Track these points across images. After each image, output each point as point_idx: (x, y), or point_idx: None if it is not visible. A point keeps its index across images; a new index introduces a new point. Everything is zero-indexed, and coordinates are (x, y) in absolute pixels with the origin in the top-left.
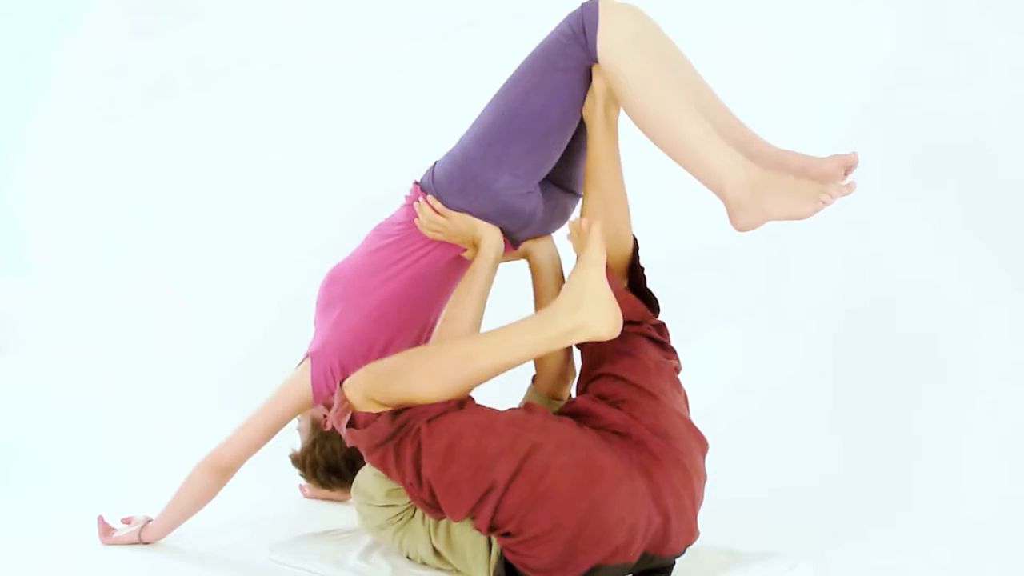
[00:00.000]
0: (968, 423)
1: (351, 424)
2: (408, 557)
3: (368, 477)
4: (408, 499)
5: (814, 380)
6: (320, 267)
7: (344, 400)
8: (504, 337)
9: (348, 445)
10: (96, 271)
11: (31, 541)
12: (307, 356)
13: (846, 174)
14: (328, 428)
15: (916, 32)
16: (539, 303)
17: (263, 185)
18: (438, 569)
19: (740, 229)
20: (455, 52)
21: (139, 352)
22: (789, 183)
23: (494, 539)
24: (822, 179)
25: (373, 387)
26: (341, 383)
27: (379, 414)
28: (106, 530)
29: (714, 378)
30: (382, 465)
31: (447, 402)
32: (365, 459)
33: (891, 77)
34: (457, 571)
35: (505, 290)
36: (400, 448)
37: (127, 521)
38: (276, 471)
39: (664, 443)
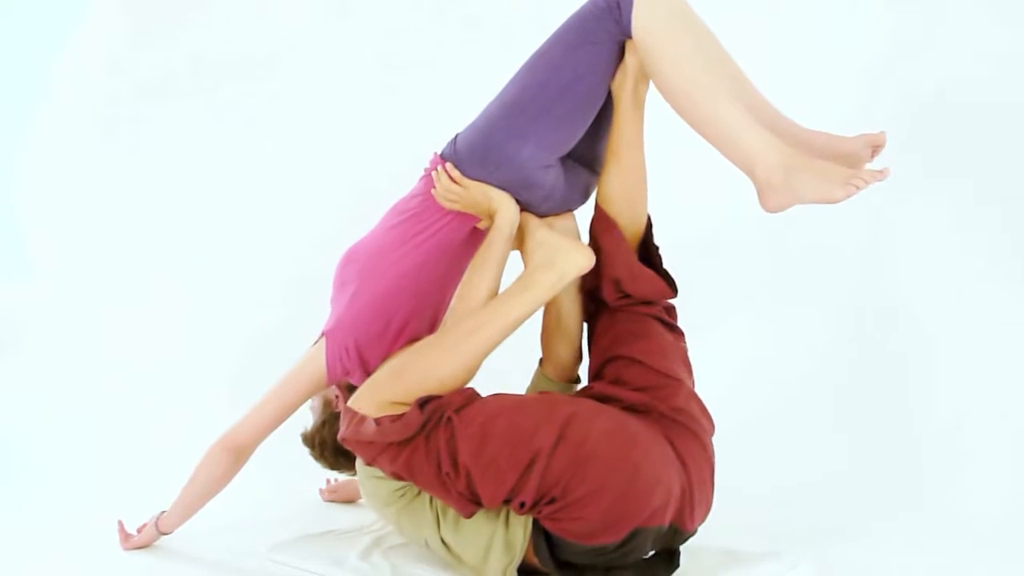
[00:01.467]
0: (973, 421)
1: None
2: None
3: None
4: None
5: (815, 378)
6: (321, 266)
7: (355, 414)
8: (499, 304)
9: (367, 461)
10: (96, 271)
11: (31, 541)
12: (322, 335)
13: (873, 154)
14: (342, 436)
15: (916, 22)
16: None
17: (264, 185)
18: (444, 556)
19: (769, 210)
20: (456, 51)
21: (139, 352)
22: (821, 166)
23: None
24: (848, 159)
25: (386, 390)
26: (346, 403)
27: (402, 414)
28: (126, 536)
29: (715, 376)
30: (407, 467)
31: (465, 393)
32: (386, 472)
33: (893, 66)
34: (461, 561)
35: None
36: (431, 439)
37: (140, 531)
38: (277, 471)
39: (684, 418)
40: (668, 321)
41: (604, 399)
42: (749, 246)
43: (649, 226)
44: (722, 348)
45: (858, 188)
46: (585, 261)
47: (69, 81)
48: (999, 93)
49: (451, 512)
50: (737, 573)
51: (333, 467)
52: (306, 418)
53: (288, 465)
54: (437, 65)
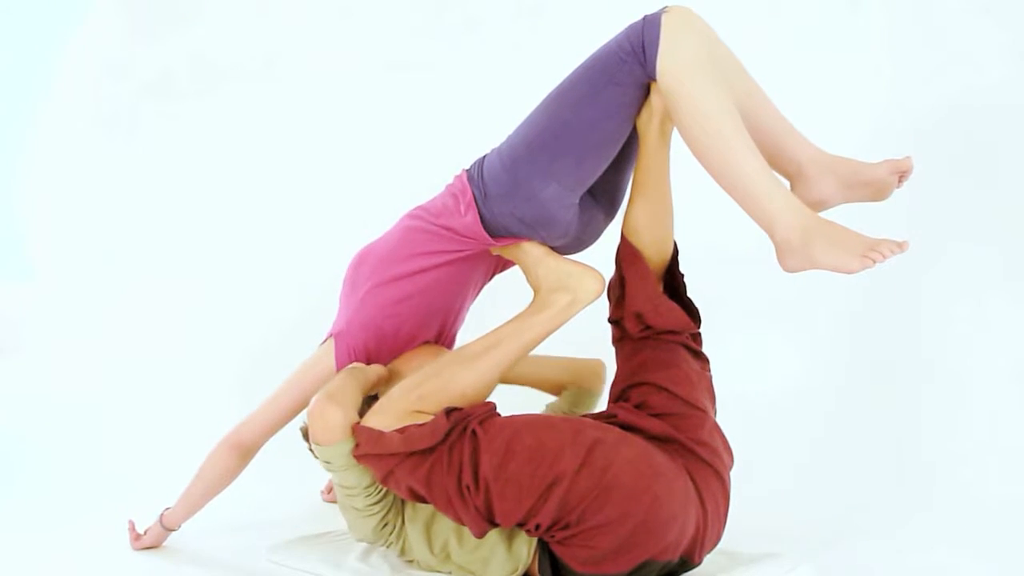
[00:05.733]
0: (974, 423)
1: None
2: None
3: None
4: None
5: (815, 380)
6: (322, 266)
7: (371, 431)
8: (516, 323)
9: (381, 477)
10: (96, 271)
11: (31, 541)
12: (330, 336)
13: (900, 180)
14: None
15: (916, 32)
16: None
17: (263, 186)
18: (439, 567)
19: (786, 270)
20: (456, 52)
21: (139, 353)
22: (840, 234)
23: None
24: (874, 185)
25: (404, 401)
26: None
27: (428, 422)
28: (136, 536)
29: (715, 376)
30: (427, 480)
31: (488, 405)
32: (401, 489)
33: (894, 76)
34: (462, 568)
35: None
36: (454, 451)
37: (147, 532)
38: (277, 472)
39: (705, 451)
40: (694, 348)
41: (629, 428)
42: (752, 252)
43: (675, 254)
44: (721, 350)
45: (875, 262)
46: (597, 285)
47: (69, 81)
48: (1005, 97)
49: (440, 539)
50: (736, 574)
51: None
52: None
53: (288, 466)
54: (438, 66)
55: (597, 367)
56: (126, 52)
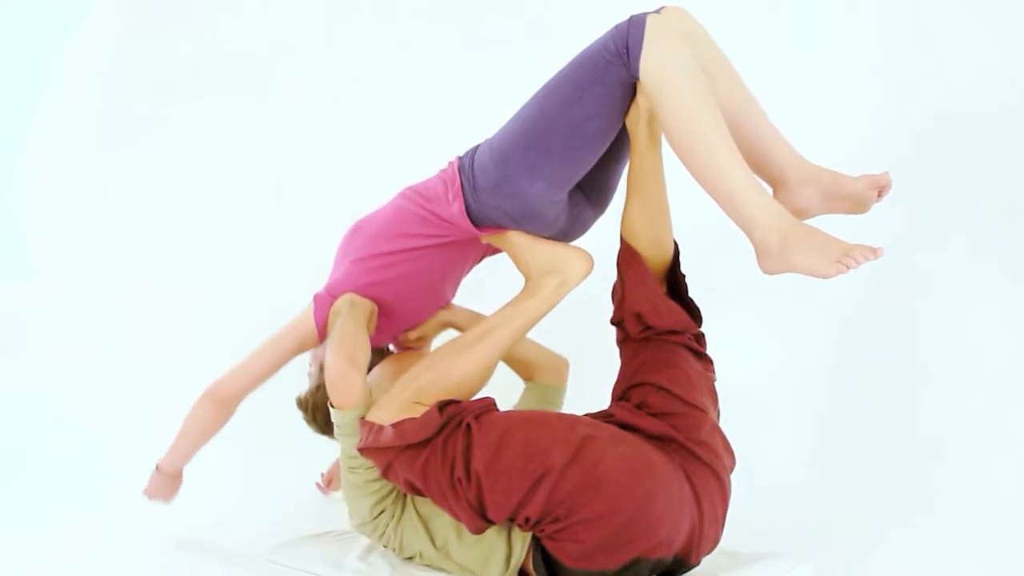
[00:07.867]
0: (972, 424)
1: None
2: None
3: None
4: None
5: (815, 380)
6: (321, 269)
7: (372, 425)
8: (508, 309)
9: (382, 470)
10: (96, 271)
11: (31, 541)
12: (314, 299)
13: (880, 194)
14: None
15: (913, 34)
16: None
17: (264, 186)
18: (440, 564)
19: (765, 272)
20: (457, 52)
21: (139, 353)
22: (817, 239)
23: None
24: (852, 198)
25: (403, 394)
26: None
27: (421, 416)
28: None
29: (716, 374)
30: (423, 473)
31: (485, 401)
32: (399, 481)
33: (891, 78)
34: (462, 567)
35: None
36: (448, 444)
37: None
38: (277, 473)
39: (704, 452)
40: (697, 349)
41: (627, 427)
42: (740, 247)
43: (676, 253)
44: (721, 349)
45: (848, 268)
46: (585, 265)
47: (69, 81)
48: (1001, 99)
49: (441, 535)
50: (736, 574)
51: (323, 432)
52: (299, 388)
53: (287, 466)
54: (439, 66)
55: (561, 363)
56: (126, 52)
